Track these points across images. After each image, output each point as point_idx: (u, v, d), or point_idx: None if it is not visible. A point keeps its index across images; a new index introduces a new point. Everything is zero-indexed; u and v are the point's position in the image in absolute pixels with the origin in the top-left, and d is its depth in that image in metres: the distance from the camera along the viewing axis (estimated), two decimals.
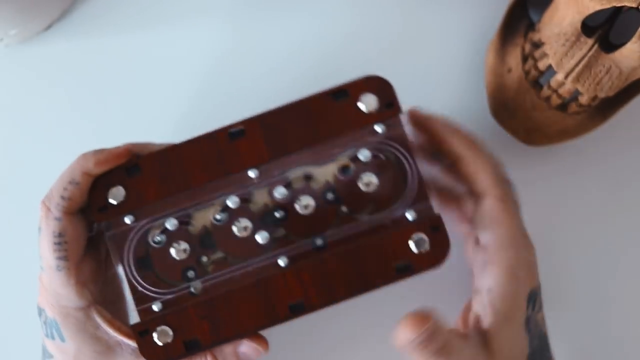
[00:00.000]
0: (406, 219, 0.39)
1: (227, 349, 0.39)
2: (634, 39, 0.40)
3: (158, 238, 0.39)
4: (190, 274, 0.39)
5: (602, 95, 0.42)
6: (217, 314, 0.38)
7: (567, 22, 0.42)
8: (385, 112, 0.39)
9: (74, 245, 0.38)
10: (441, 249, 0.38)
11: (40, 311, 0.40)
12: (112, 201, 0.38)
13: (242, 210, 0.39)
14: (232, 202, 0.39)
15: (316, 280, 0.38)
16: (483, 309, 0.38)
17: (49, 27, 0.50)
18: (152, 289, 0.39)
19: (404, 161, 0.39)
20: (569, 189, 0.48)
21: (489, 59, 0.46)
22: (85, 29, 0.50)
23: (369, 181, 0.39)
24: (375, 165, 0.39)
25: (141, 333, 0.38)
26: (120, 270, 0.39)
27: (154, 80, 0.50)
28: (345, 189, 0.39)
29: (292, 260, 0.39)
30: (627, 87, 0.44)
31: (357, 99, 0.39)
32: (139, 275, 0.39)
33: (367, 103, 0.39)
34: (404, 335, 0.36)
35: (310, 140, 0.39)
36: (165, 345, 0.38)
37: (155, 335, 0.38)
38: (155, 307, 0.39)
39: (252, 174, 0.38)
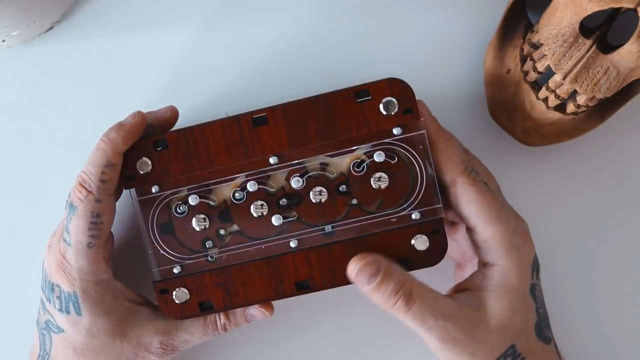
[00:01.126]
0: (411, 218, 0.41)
1: (238, 310, 0.43)
2: (631, 39, 0.40)
3: (181, 209, 0.42)
4: (209, 243, 0.43)
5: (600, 96, 0.42)
6: (230, 283, 0.42)
7: (565, 23, 0.42)
8: (404, 116, 0.41)
9: (107, 225, 0.41)
10: (439, 251, 0.41)
11: (54, 286, 0.42)
12: (140, 171, 0.42)
13: (260, 193, 0.42)
14: (251, 186, 0.42)
15: (322, 264, 0.42)
16: (482, 280, 0.40)
17: (50, 28, 0.50)
18: (173, 253, 0.43)
19: (416, 165, 0.41)
20: (566, 188, 0.48)
21: (488, 60, 0.46)
22: (86, 30, 0.50)
23: (380, 179, 0.41)
24: (388, 165, 0.41)
25: (161, 291, 0.43)
26: (143, 233, 0.43)
27: (153, 79, 0.50)
28: (357, 183, 0.42)
29: (301, 242, 0.42)
30: (625, 87, 0.44)
31: (378, 101, 0.41)
32: (161, 240, 0.42)
33: (387, 107, 0.41)
34: (352, 272, 0.40)
35: (329, 135, 0.41)
36: (182, 304, 0.43)
37: (174, 294, 0.43)
38: (175, 270, 0.43)
39: (272, 160, 0.41)
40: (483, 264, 0.41)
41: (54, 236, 0.43)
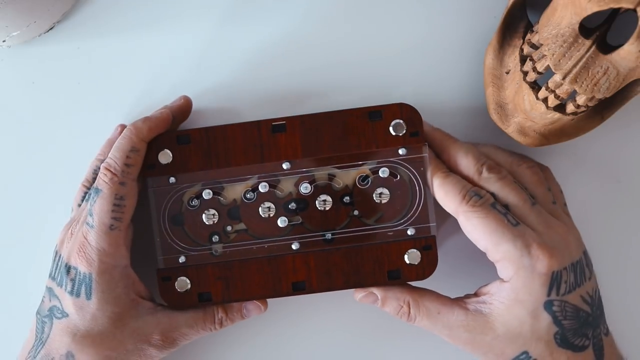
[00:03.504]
0: (406, 233, 0.44)
1: (235, 305, 0.45)
2: (631, 40, 0.40)
3: (193, 202, 0.44)
4: (215, 238, 0.45)
5: (599, 96, 0.42)
6: (230, 277, 0.44)
7: (565, 24, 0.42)
8: (410, 139, 0.44)
9: (129, 209, 0.43)
10: (429, 266, 0.44)
11: (70, 269, 0.43)
12: (161, 161, 0.44)
13: (270, 195, 0.44)
14: (262, 187, 0.44)
15: (319, 268, 0.44)
16: (497, 291, 0.42)
17: (50, 28, 0.50)
18: (180, 243, 0.45)
19: (416, 184, 0.44)
20: (566, 188, 0.48)
21: (488, 60, 0.46)
22: (86, 31, 0.50)
23: (382, 195, 0.44)
24: (390, 182, 0.44)
25: (164, 278, 0.45)
26: (154, 221, 0.45)
27: (152, 78, 0.50)
28: (360, 195, 0.45)
29: (302, 246, 0.44)
30: (625, 87, 0.44)
31: (388, 123, 0.44)
32: (170, 229, 0.45)
33: (396, 128, 0.44)
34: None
35: (341, 148, 0.44)
36: (182, 293, 0.45)
37: (175, 283, 0.45)
38: (180, 260, 0.45)
39: (285, 165, 0.44)
40: (500, 279, 0.43)
41: (75, 224, 0.44)
